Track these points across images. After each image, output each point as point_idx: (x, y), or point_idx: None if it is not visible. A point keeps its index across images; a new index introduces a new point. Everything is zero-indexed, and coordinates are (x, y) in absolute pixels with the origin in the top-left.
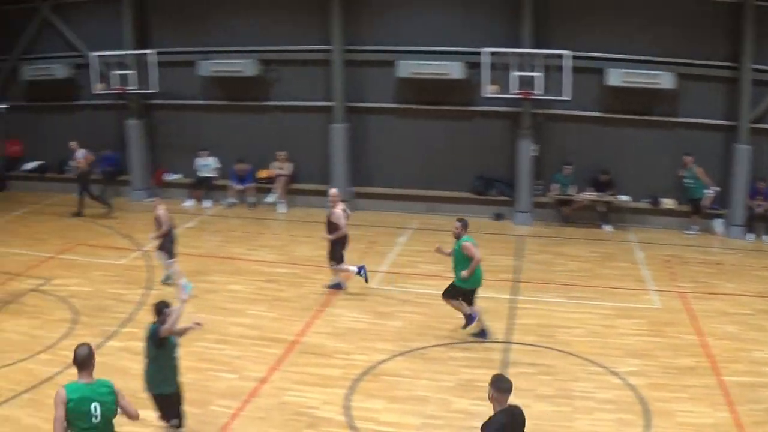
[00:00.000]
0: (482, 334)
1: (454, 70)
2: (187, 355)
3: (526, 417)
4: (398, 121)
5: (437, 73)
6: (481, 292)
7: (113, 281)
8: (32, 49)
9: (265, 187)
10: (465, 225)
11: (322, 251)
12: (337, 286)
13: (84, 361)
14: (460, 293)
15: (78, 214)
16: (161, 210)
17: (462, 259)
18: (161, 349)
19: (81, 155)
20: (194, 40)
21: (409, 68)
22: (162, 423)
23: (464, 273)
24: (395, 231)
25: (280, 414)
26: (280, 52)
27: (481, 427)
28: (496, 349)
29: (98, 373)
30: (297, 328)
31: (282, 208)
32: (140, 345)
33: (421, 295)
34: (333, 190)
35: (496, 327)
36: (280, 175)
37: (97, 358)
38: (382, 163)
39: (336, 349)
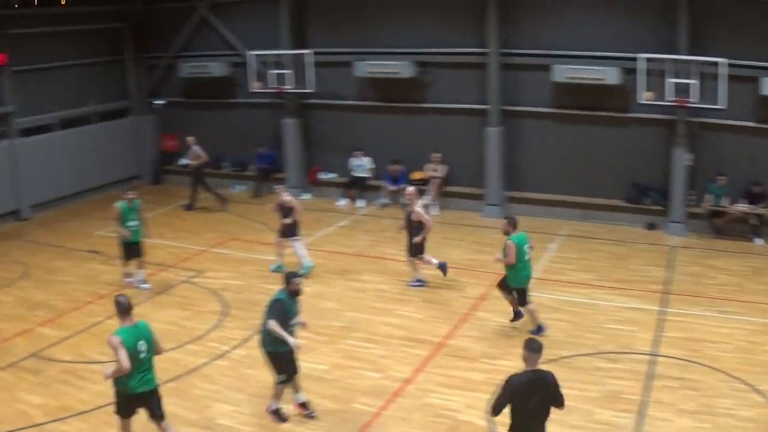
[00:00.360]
0: (539, 330)
1: (610, 75)
2: (333, 353)
3: (557, 381)
4: (552, 126)
5: (593, 78)
6: (629, 303)
7: (265, 276)
8: (190, 46)
9: (419, 188)
10: (512, 222)
11: (474, 255)
12: (419, 283)
13: (129, 308)
14: (512, 290)
15: (190, 206)
16: (287, 196)
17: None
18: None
19: (198, 150)
20: (351, 41)
21: (564, 73)
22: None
23: (498, 255)
24: (546, 237)
25: (421, 416)
26: (436, 55)
27: (507, 378)
28: (642, 360)
29: (246, 366)
30: (444, 330)
31: (434, 210)
32: None
33: (570, 303)
34: (410, 188)
35: (644, 338)
36: (434, 177)
37: (244, 351)
38: (535, 168)
39: (482, 353)
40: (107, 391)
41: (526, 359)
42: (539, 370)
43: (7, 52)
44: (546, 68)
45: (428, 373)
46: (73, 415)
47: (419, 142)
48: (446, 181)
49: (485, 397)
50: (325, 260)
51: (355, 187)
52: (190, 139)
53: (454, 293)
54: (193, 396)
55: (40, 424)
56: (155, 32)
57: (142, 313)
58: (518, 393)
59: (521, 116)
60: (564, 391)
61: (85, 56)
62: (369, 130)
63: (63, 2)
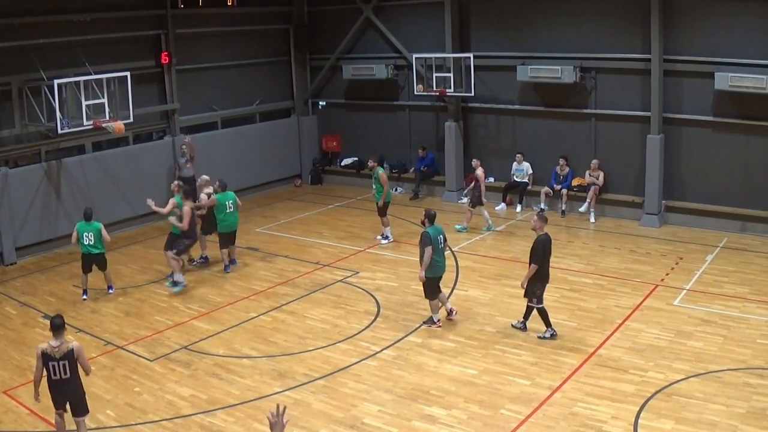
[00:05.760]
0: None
1: None
2: (484, 358)
3: None
4: (714, 135)
5: (756, 87)
6: None
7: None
8: (353, 48)
9: (577, 195)
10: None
11: (630, 264)
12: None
13: None
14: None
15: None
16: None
17: None
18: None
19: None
20: (513, 45)
21: (726, 81)
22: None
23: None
24: (703, 248)
25: (567, 424)
26: (599, 60)
27: None
28: None
29: (395, 368)
30: (596, 339)
31: (592, 218)
32: (439, 342)
33: (723, 317)
34: (173, 202)
35: None
36: (593, 184)
37: (394, 352)
38: (694, 177)
39: (632, 364)
40: (257, 386)
41: None
42: None
43: (172, 51)
44: (709, 75)
45: (577, 383)
46: (220, 408)
47: (579, 148)
48: (604, 188)
49: (633, 409)
50: (481, 265)
51: (514, 191)
52: (185, 144)
53: (608, 302)
54: (341, 394)
55: (187, 416)
56: (319, 34)
57: (298, 309)
58: None
59: (682, 124)
60: (710, 405)
61: (250, 57)
62: (529, 135)
63: (230, 2)
